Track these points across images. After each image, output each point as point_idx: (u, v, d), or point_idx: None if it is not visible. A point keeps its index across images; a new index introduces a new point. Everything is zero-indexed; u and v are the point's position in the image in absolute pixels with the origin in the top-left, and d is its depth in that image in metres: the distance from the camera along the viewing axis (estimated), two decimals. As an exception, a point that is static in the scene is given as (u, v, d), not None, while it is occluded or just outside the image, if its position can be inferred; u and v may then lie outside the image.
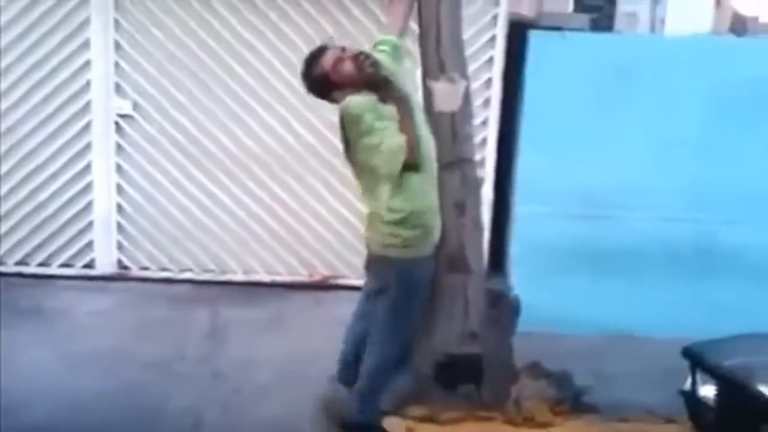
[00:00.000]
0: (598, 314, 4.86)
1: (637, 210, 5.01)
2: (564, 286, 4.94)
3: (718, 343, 3.37)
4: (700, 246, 5.01)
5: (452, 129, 3.66)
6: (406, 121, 3.18)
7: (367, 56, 3.27)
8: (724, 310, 4.71)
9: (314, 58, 3.35)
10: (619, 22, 13.95)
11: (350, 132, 3.21)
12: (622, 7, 14.21)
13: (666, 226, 5.01)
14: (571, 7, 14.27)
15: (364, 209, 3.45)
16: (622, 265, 5.01)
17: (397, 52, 3.56)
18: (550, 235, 5.00)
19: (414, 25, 3.82)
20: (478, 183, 3.90)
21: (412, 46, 3.96)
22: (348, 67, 3.24)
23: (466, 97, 3.68)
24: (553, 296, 4.85)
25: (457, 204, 3.73)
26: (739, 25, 11.50)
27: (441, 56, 3.63)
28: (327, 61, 3.27)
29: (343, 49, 3.33)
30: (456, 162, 3.68)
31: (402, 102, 3.24)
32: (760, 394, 2.98)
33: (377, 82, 3.23)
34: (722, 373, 3.16)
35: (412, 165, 3.19)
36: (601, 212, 5.02)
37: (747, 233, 4.99)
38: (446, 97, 3.63)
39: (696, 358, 3.34)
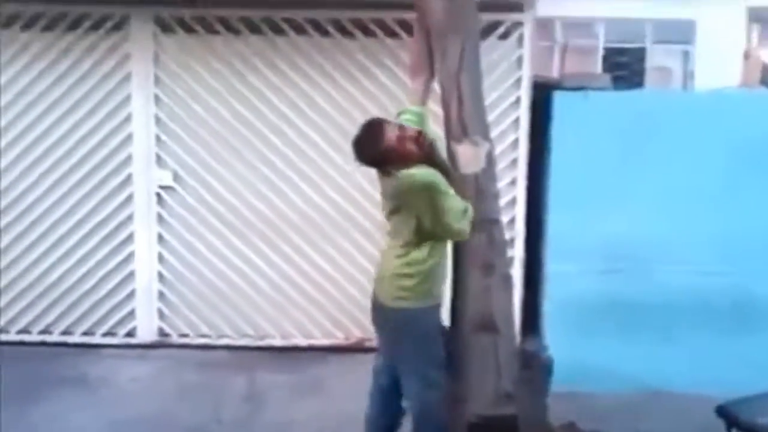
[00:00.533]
0: (633, 371, 4.85)
1: (668, 264, 4.99)
2: (598, 343, 4.91)
3: (752, 400, 3.34)
4: (732, 299, 4.95)
5: (477, 190, 3.73)
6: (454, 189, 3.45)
7: (425, 135, 3.50)
8: (758, 366, 4.64)
9: (375, 130, 3.47)
10: (650, 76, 14.03)
11: (421, 201, 3.35)
12: (652, 62, 14.31)
13: (697, 279, 4.96)
14: (599, 65, 14.39)
15: (390, 262, 3.55)
16: (655, 321, 4.98)
17: (421, 119, 3.76)
18: (583, 292, 5.00)
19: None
20: (505, 243, 3.94)
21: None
22: (411, 144, 3.43)
23: (490, 159, 3.77)
24: (587, 354, 4.84)
25: (485, 265, 3.78)
26: (769, 78, 11.37)
27: (463, 120, 3.73)
28: (391, 136, 3.42)
29: (401, 127, 3.51)
30: (482, 223, 3.74)
31: (449, 172, 3.55)
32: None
33: (430, 159, 3.48)
34: (757, 431, 3.13)
35: None
36: (632, 267, 5.01)
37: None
38: (470, 159, 3.72)
39: (730, 417, 3.31)
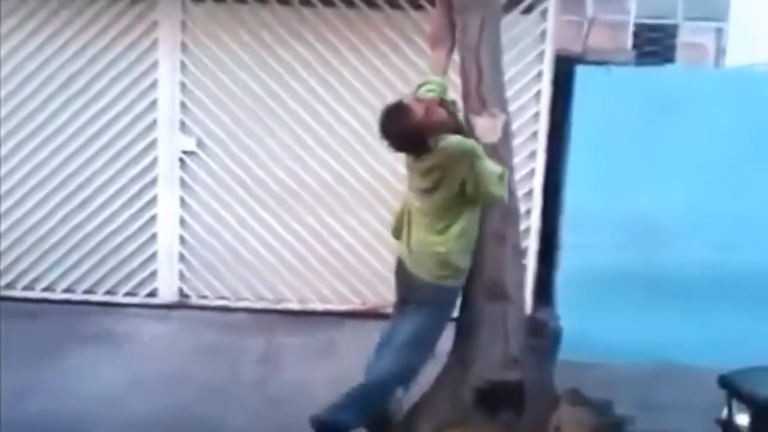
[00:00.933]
0: (646, 343, 4.92)
1: (683, 239, 5.06)
2: (611, 314, 5.01)
3: (755, 372, 3.38)
4: (748, 275, 4.99)
5: (493, 160, 3.79)
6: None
7: (446, 100, 3.62)
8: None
9: (400, 113, 3.50)
10: (681, 53, 13.85)
11: (463, 168, 3.41)
12: (683, 38, 14.10)
13: (714, 255, 5.03)
14: (630, 39, 14.25)
15: (426, 241, 3.61)
16: (670, 294, 5.05)
17: (443, 89, 3.80)
18: (597, 264, 5.08)
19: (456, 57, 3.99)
20: (518, 214, 4.00)
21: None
22: (440, 111, 3.52)
23: (506, 131, 3.82)
24: (600, 325, 4.93)
25: (498, 235, 3.83)
26: (806, 54, 11.21)
27: (482, 93, 3.76)
28: (418, 112, 3.46)
29: (420, 99, 3.56)
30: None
31: (467, 135, 3.62)
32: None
33: (459, 125, 3.61)
34: (757, 402, 3.18)
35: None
36: (648, 241, 5.07)
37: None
38: (487, 130, 3.77)
39: (732, 387, 3.36)
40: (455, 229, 3.54)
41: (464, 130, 3.65)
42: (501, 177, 3.52)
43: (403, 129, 3.48)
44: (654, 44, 13.35)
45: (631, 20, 13.82)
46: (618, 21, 13.91)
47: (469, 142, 3.50)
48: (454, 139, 3.47)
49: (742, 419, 3.29)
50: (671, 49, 13.72)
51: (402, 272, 3.74)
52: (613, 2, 13.19)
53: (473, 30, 3.72)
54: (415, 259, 3.66)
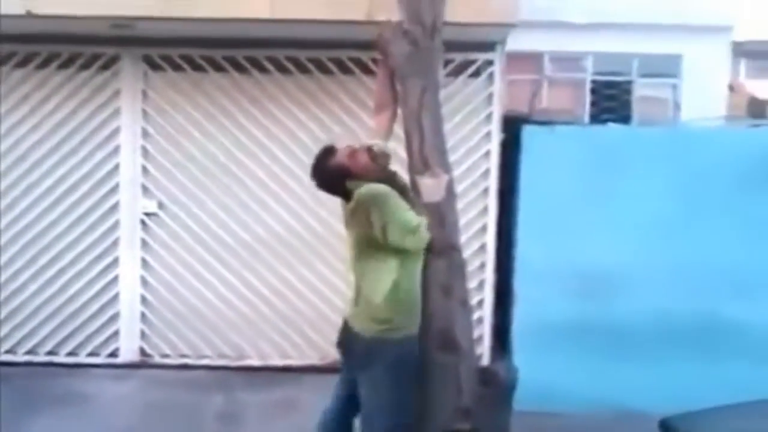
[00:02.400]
0: (600, 391, 5.05)
1: (633, 290, 5.20)
2: (566, 365, 5.13)
3: (694, 415, 3.51)
4: (696, 323, 5.17)
5: (438, 218, 3.96)
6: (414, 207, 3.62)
7: (377, 149, 3.69)
8: (722, 386, 4.83)
9: (327, 154, 3.69)
10: (638, 107, 14.29)
11: (376, 214, 3.47)
12: (639, 92, 14.59)
13: (663, 304, 5.18)
14: (588, 96, 14.64)
15: (356, 293, 3.69)
16: (622, 343, 5.19)
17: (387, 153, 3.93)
18: (551, 316, 5.20)
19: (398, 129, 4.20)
20: (463, 267, 4.14)
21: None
22: (363, 157, 3.63)
23: (449, 189, 3.99)
24: (556, 375, 5.07)
25: (445, 287, 3.98)
26: (756, 108, 11.80)
27: (425, 155, 3.94)
28: (343, 154, 3.64)
29: (350, 146, 3.72)
30: (443, 248, 3.95)
31: (407, 191, 3.74)
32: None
33: (386, 173, 3.69)
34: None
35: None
36: (599, 292, 5.21)
37: (743, 310, 5.15)
38: (432, 189, 3.93)
39: (672, 430, 3.50)
40: (385, 279, 3.54)
41: (397, 182, 3.73)
42: (414, 229, 3.51)
43: (325, 168, 3.65)
44: (611, 100, 13.84)
45: (588, 78, 14.30)
46: (576, 79, 14.38)
47: (379, 190, 3.52)
48: (366, 186, 3.54)
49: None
50: (628, 104, 14.22)
51: (345, 330, 3.77)
52: (570, 61, 13.68)
53: (414, 96, 3.92)
54: (358, 315, 3.67)
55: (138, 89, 5.60)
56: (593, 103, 13.80)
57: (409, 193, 3.79)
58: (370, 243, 3.57)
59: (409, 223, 3.51)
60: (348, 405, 3.83)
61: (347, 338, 3.75)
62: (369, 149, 3.67)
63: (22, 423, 4.73)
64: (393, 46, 4.00)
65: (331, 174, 3.66)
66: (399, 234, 3.49)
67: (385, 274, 3.58)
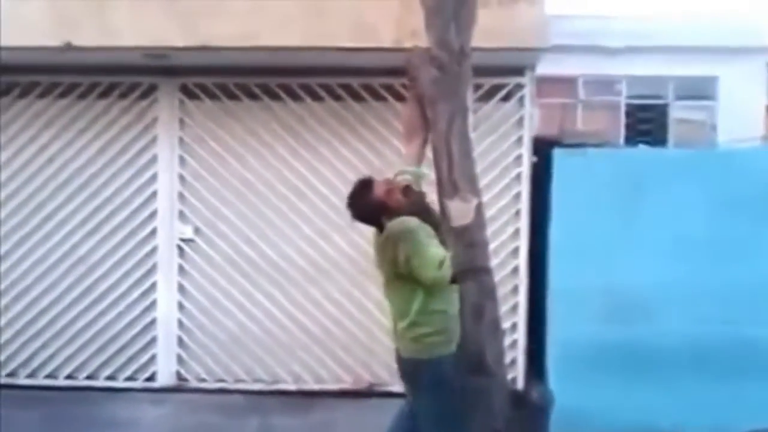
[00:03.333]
0: (635, 416, 5.01)
1: (664, 312, 5.16)
2: (599, 388, 5.09)
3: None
4: (730, 346, 5.11)
5: (468, 240, 4.00)
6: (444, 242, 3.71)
7: (413, 188, 3.82)
8: (755, 408, 4.76)
9: (365, 188, 3.80)
10: (672, 129, 14.19)
11: (402, 247, 3.57)
12: (675, 115, 14.49)
13: (696, 326, 5.14)
14: (622, 121, 14.58)
15: (393, 320, 3.79)
16: (657, 367, 5.14)
17: (417, 178, 4.04)
18: (584, 339, 5.18)
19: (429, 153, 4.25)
20: (494, 289, 4.17)
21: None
22: (399, 195, 3.74)
23: (478, 212, 4.04)
24: (590, 399, 5.01)
25: (476, 310, 4.02)
26: (793, 131, 11.47)
27: (454, 179, 4.01)
28: (380, 189, 3.75)
29: (389, 181, 3.83)
30: (473, 271, 3.99)
31: (439, 224, 3.82)
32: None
33: (421, 206, 3.79)
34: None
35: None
36: (630, 314, 5.19)
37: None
38: (461, 213, 3.99)
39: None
40: (414, 307, 3.63)
41: (431, 215, 3.81)
42: (441, 263, 3.55)
43: (363, 202, 3.77)
44: (647, 123, 13.75)
45: (623, 101, 14.25)
46: (610, 102, 14.33)
47: (408, 224, 3.61)
48: (398, 220, 3.64)
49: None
50: (664, 127, 14.11)
51: (396, 355, 3.86)
52: (605, 84, 13.67)
53: (443, 120, 4.00)
54: (396, 338, 3.80)
55: (175, 117, 5.74)
56: (628, 127, 13.74)
57: (437, 222, 3.85)
58: (398, 273, 3.67)
59: (433, 258, 3.57)
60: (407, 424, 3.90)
61: (397, 362, 3.86)
62: (406, 187, 3.79)
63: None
64: (421, 72, 4.08)
65: (368, 209, 3.77)
66: (422, 268, 3.56)
67: (413, 297, 3.65)
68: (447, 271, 3.60)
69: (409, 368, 3.77)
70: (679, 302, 5.17)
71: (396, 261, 3.60)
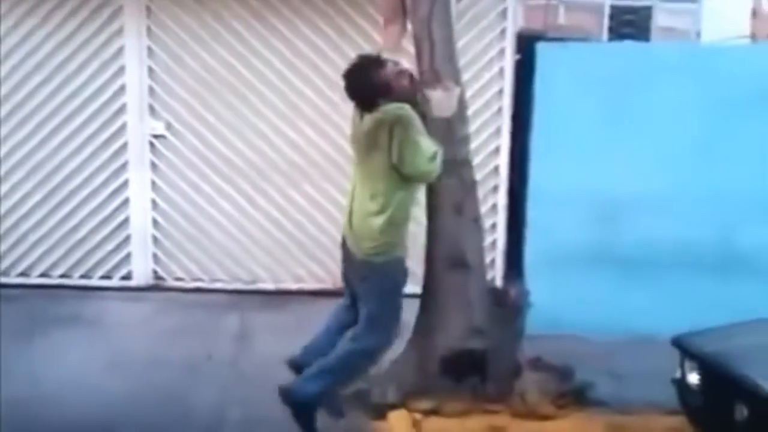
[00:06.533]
0: (612, 316, 4.99)
1: (650, 213, 5.11)
2: (577, 288, 5.09)
3: (704, 333, 3.49)
4: (716, 247, 5.09)
5: (449, 132, 3.88)
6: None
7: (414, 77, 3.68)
8: (742, 310, 4.76)
9: (375, 64, 3.62)
10: (655, 35, 14.02)
11: (397, 133, 3.44)
12: (659, 21, 14.29)
13: (681, 228, 5.10)
14: (606, 22, 14.37)
15: (360, 213, 3.64)
16: (635, 267, 5.12)
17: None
18: (565, 239, 5.15)
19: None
20: (474, 184, 4.09)
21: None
22: (406, 81, 3.60)
23: (461, 102, 3.91)
24: (568, 299, 5.00)
25: (456, 204, 3.94)
26: (781, 33, 11.36)
27: (435, 67, 3.87)
28: (392, 71, 3.58)
29: (398, 63, 3.66)
30: (453, 163, 3.89)
31: (425, 119, 3.68)
32: (735, 376, 3.11)
33: (416, 100, 3.66)
34: (702, 358, 3.30)
35: None
36: (612, 217, 5.14)
37: (759, 234, 5.06)
38: (442, 104, 3.86)
39: (682, 347, 3.48)
40: (388, 203, 3.53)
41: (418, 109, 3.66)
42: (433, 156, 3.50)
43: (366, 76, 3.58)
44: (629, 26, 13.50)
45: (607, 3, 13.93)
46: (594, 4, 14.01)
47: (406, 110, 3.49)
48: (390, 106, 3.49)
49: (693, 378, 3.41)
50: (647, 33, 13.85)
51: (344, 249, 3.79)
52: (588, -16, 13.33)
53: (424, 5, 3.81)
54: (354, 235, 3.67)
55: (142, 5, 5.45)
56: (611, 29, 13.48)
57: (425, 114, 3.73)
58: (378, 160, 3.53)
59: (426, 149, 3.49)
60: (347, 313, 3.87)
61: (347, 258, 3.78)
62: (412, 78, 3.65)
63: (37, 342, 4.78)
64: (402, -47, 3.86)
65: (370, 86, 3.57)
66: (414, 158, 3.46)
67: (392, 196, 3.54)
68: (437, 166, 3.51)
69: (358, 268, 3.69)
70: (664, 204, 5.10)
71: (384, 149, 3.46)
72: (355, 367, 3.78)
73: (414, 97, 3.68)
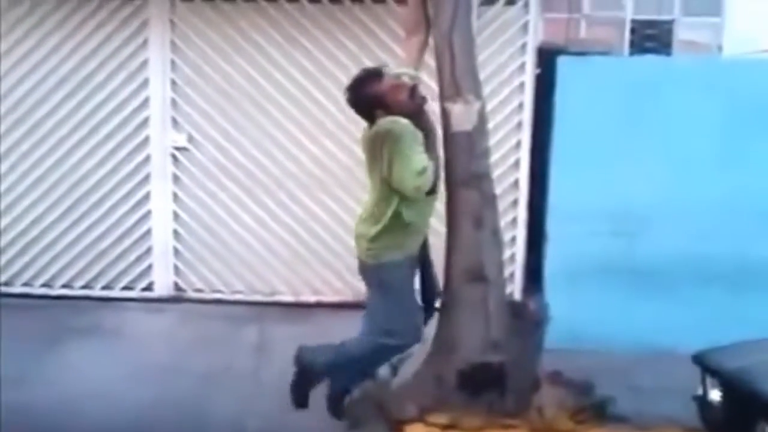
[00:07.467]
0: (633, 331, 4.95)
1: (668, 227, 5.07)
2: (597, 303, 5.04)
3: (725, 349, 3.45)
4: (732, 261, 5.03)
5: (469, 146, 3.89)
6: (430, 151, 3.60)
7: (418, 89, 3.69)
8: (758, 325, 4.71)
9: (372, 77, 3.67)
10: (677, 49, 13.95)
11: (386, 148, 3.49)
12: (681, 35, 14.22)
13: (698, 242, 5.05)
14: (627, 36, 14.33)
15: (364, 217, 3.76)
16: (653, 281, 5.07)
17: (413, 80, 3.83)
18: (584, 253, 5.10)
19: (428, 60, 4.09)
20: (494, 197, 4.07)
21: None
22: (403, 94, 3.62)
23: (481, 116, 3.91)
24: (588, 313, 4.97)
25: (475, 217, 3.93)
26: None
27: (456, 81, 3.86)
28: (387, 84, 3.62)
29: (398, 78, 3.68)
30: (473, 178, 3.89)
31: (431, 133, 3.68)
32: (758, 393, 3.08)
33: (419, 113, 3.66)
34: (723, 374, 3.27)
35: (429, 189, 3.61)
36: (633, 229, 5.11)
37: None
38: (463, 117, 3.86)
39: (704, 363, 3.44)
40: (383, 213, 3.60)
41: (423, 122, 3.67)
42: (421, 171, 3.46)
43: (362, 89, 3.65)
44: (651, 40, 13.43)
45: (628, 17, 13.88)
46: (615, 17, 13.96)
47: (397, 126, 3.50)
48: (384, 119, 3.54)
49: (715, 394, 3.37)
50: (668, 45, 13.78)
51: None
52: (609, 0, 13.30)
53: (446, 18, 3.82)
54: (355, 235, 3.79)
55: (166, 19, 5.51)
56: (632, 44, 13.42)
57: (430, 131, 3.70)
58: (378, 175, 3.60)
59: (415, 165, 3.46)
60: None
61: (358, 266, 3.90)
62: (413, 87, 3.66)
63: (59, 352, 4.82)
64: (424, -34, 3.89)
65: (366, 98, 3.65)
66: (401, 172, 3.47)
67: (389, 206, 3.59)
68: (424, 182, 3.49)
69: (364, 272, 3.82)
70: (682, 218, 5.05)
71: (378, 162, 3.53)
72: (360, 358, 3.84)
73: (414, 111, 3.66)
